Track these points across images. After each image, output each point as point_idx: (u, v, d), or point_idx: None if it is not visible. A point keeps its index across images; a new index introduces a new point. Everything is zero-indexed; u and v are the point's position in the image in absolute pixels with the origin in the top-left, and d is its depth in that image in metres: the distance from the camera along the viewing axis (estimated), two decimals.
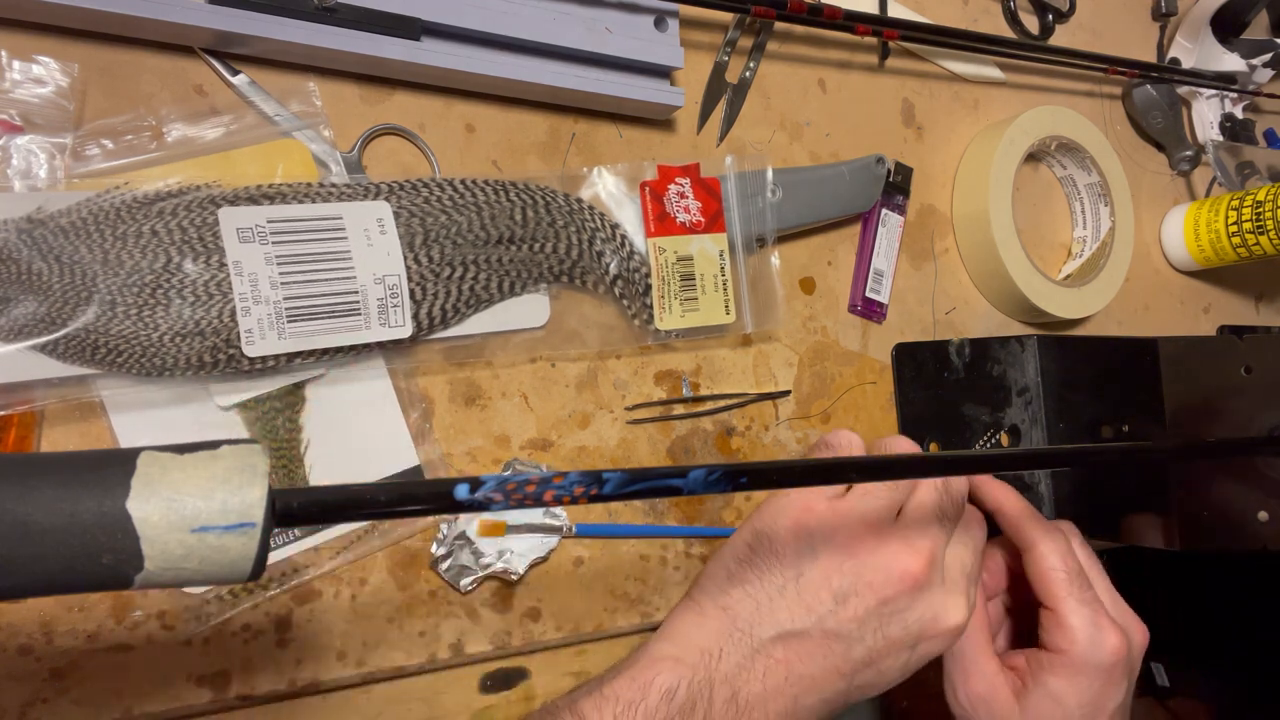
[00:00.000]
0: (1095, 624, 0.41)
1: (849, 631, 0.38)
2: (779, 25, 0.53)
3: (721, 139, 0.51)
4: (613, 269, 0.44)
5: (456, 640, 0.40)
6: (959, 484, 0.44)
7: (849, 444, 0.44)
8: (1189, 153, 0.69)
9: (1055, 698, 0.41)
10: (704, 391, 0.48)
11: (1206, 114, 0.71)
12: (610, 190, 0.45)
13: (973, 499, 0.46)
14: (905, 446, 0.44)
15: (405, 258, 0.38)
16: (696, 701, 0.36)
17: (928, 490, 0.42)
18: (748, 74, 0.52)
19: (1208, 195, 0.71)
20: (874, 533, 0.40)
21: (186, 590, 0.36)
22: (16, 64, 0.35)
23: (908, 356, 0.55)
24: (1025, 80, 0.65)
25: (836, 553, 0.39)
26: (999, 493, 0.47)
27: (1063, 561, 0.43)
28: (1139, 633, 0.44)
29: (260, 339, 0.35)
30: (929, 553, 0.39)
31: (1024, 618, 0.49)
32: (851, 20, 0.50)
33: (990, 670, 0.42)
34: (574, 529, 0.43)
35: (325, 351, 0.37)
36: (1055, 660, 0.42)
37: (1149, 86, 0.68)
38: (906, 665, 0.40)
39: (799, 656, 0.38)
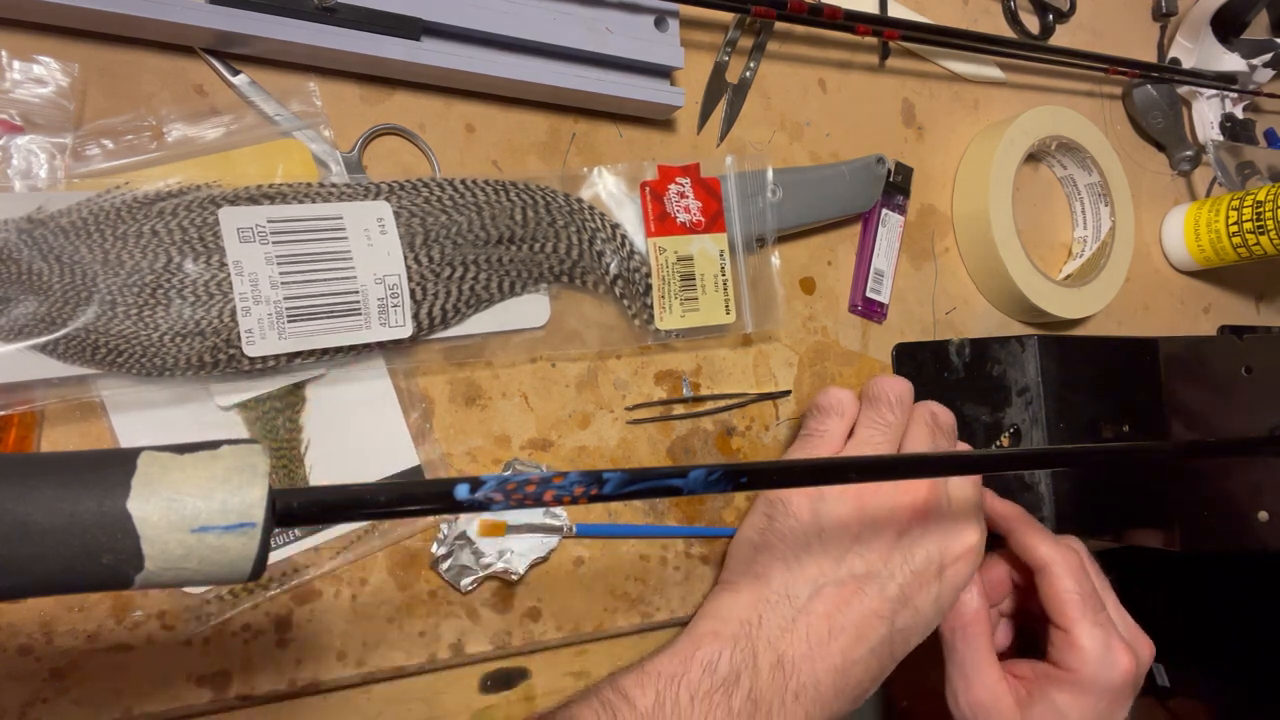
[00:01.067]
0: (1108, 646, 0.42)
1: (878, 570, 0.40)
2: (779, 25, 0.53)
3: (721, 139, 0.51)
4: (613, 269, 0.44)
5: (457, 640, 0.40)
6: (947, 418, 0.45)
7: (839, 402, 0.44)
8: (1189, 153, 0.69)
9: (1060, 713, 0.41)
10: (704, 391, 0.48)
11: (1207, 114, 0.71)
12: (610, 190, 0.45)
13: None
14: (895, 385, 0.44)
15: (405, 258, 0.38)
16: (741, 672, 0.36)
17: (919, 428, 0.44)
18: (748, 74, 0.52)
19: (1208, 195, 0.71)
20: None
21: (186, 590, 0.36)
22: (16, 64, 0.35)
23: (908, 356, 0.55)
24: (1025, 80, 0.64)
25: (847, 500, 0.41)
26: (1004, 508, 0.47)
27: (1077, 583, 0.43)
28: (1146, 650, 0.44)
29: (260, 339, 0.35)
30: (928, 483, 0.41)
31: (1027, 625, 0.49)
32: (852, 20, 0.50)
33: (992, 678, 0.42)
34: (574, 529, 0.43)
35: (325, 351, 0.37)
36: (1064, 677, 0.42)
37: (1149, 86, 0.68)
38: (940, 599, 0.41)
39: (837, 606, 0.39)
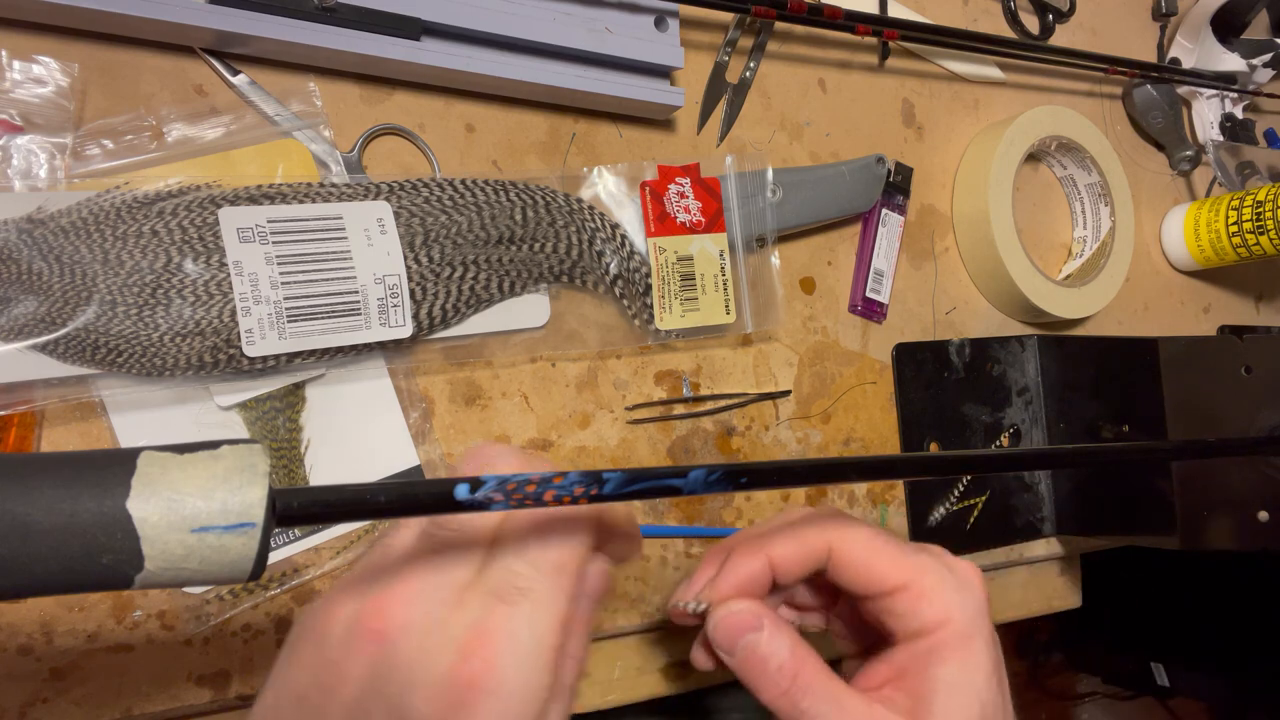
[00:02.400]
0: (948, 568, 0.33)
1: None
2: (779, 25, 0.53)
3: (721, 139, 0.51)
4: (613, 269, 0.44)
5: None
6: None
7: (497, 455, 0.29)
8: (1189, 153, 0.69)
9: (956, 684, 0.31)
10: (704, 391, 0.48)
11: (1206, 114, 0.71)
12: (610, 190, 0.45)
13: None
14: (501, 455, 0.29)
15: (405, 258, 0.38)
16: None
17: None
18: (748, 74, 0.52)
19: (1208, 195, 0.71)
20: None
21: (186, 590, 0.36)
22: (16, 64, 0.35)
23: (908, 356, 0.55)
24: (1025, 80, 0.65)
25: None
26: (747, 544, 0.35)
27: (872, 534, 0.34)
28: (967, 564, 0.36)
29: (260, 339, 0.35)
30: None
31: (856, 637, 0.39)
32: (851, 20, 0.50)
33: (859, 709, 0.31)
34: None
35: (325, 351, 0.37)
36: (934, 640, 0.32)
37: (1149, 86, 0.68)
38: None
39: None
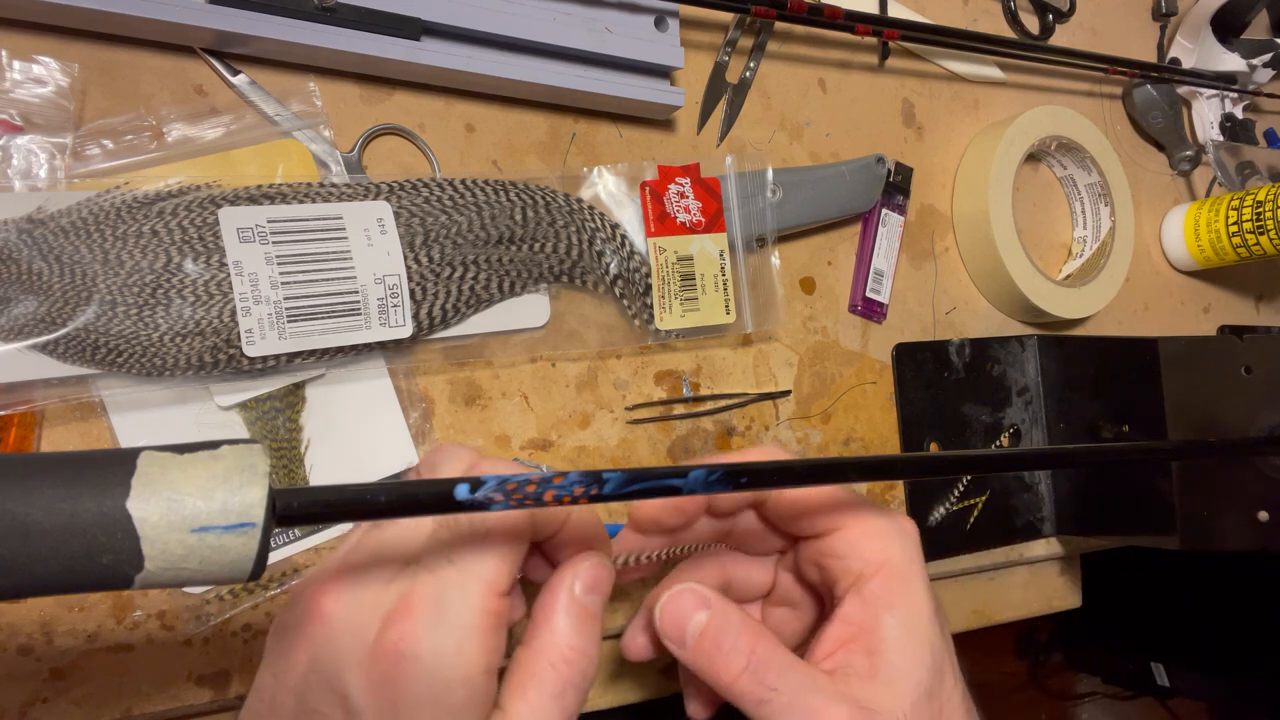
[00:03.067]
0: (880, 510, 0.33)
1: None
2: (779, 25, 0.53)
3: (721, 139, 0.51)
4: (613, 269, 0.44)
5: None
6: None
7: (445, 456, 0.30)
8: (1189, 153, 0.69)
9: (909, 632, 0.31)
10: (704, 391, 0.48)
11: (1206, 114, 0.71)
12: (610, 190, 0.45)
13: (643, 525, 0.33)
14: (450, 455, 0.30)
15: (405, 258, 0.38)
16: None
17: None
18: (748, 74, 0.52)
19: (1208, 195, 0.71)
20: None
21: (186, 590, 0.36)
22: (16, 64, 0.35)
23: (908, 356, 0.55)
24: (1025, 80, 0.64)
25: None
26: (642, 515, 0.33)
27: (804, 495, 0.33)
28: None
29: (260, 339, 0.35)
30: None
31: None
32: (851, 20, 0.50)
33: (823, 680, 0.30)
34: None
35: (325, 351, 0.37)
36: (881, 584, 0.31)
37: (1149, 86, 0.68)
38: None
39: None
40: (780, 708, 0.29)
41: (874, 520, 0.32)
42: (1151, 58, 0.72)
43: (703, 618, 0.31)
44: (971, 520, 0.55)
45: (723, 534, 0.35)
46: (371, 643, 0.25)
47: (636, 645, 0.35)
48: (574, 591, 0.29)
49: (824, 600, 0.36)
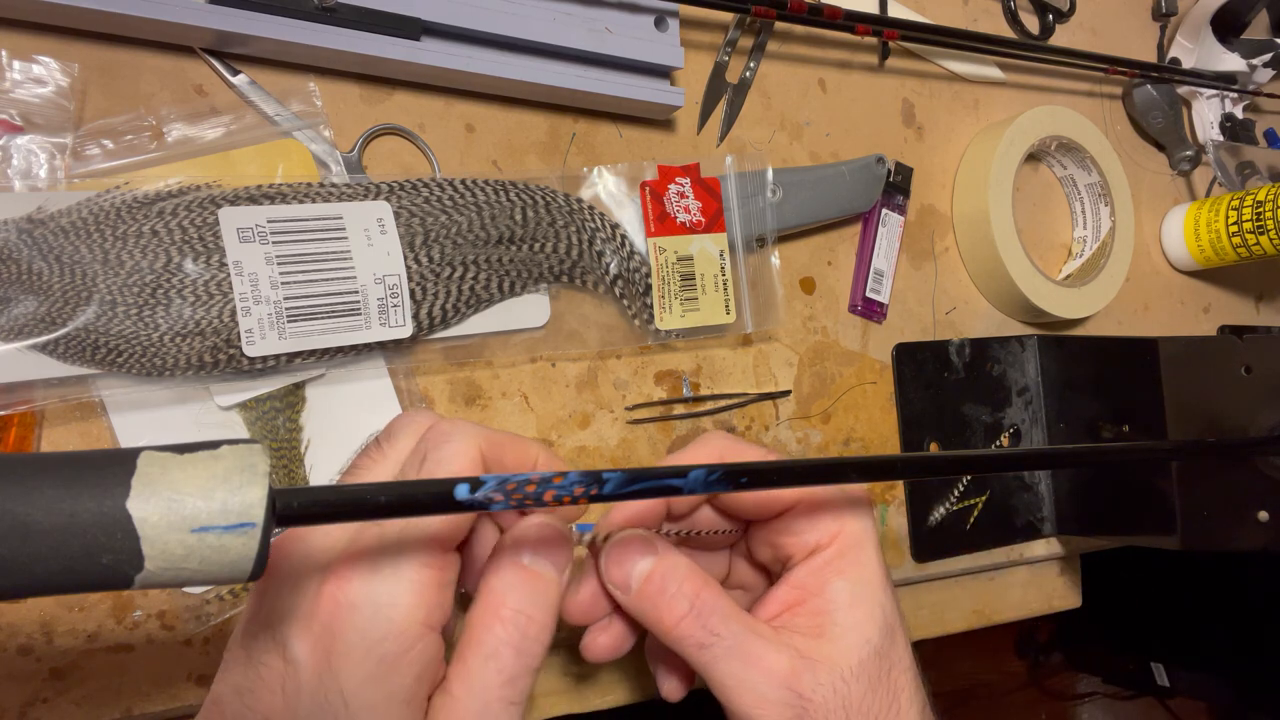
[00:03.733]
0: (836, 485, 0.33)
1: None
2: (779, 25, 0.53)
3: (721, 139, 0.51)
4: (613, 269, 0.44)
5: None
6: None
7: (412, 423, 0.30)
8: (1189, 153, 0.69)
9: (859, 593, 0.31)
10: (704, 391, 0.48)
11: (1206, 114, 0.71)
12: (610, 190, 0.45)
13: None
14: (413, 424, 0.29)
15: (405, 258, 0.38)
16: None
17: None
18: (748, 74, 0.52)
19: (1208, 195, 0.71)
20: None
21: (186, 590, 0.36)
22: (16, 64, 0.35)
23: (908, 356, 0.55)
24: (1025, 80, 0.64)
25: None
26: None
27: (764, 452, 0.33)
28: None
29: (260, 339, 0.35)
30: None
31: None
32: (851, 20, 0.50)
33: (766, 629, 0.30)
34: (574, 528, 0.43)
35: (325, 351, 0.37)
36: (833, 551, 0.31)
37: (1149, 86, 0.68)
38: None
39: None
40: (722, 652, 0.29)
41: (826, 492, 0.32)
42: (1151, 58, 0.72)
43: (648, 563, 0.31)
44: (971, 520, 0.55)
45: (681, 540, 0.35)
46: (312, 595, 0.25)
47: (578, 608, 0.34)
48: (513, 553, 0.28)
49: (774, 580, 0.35)
